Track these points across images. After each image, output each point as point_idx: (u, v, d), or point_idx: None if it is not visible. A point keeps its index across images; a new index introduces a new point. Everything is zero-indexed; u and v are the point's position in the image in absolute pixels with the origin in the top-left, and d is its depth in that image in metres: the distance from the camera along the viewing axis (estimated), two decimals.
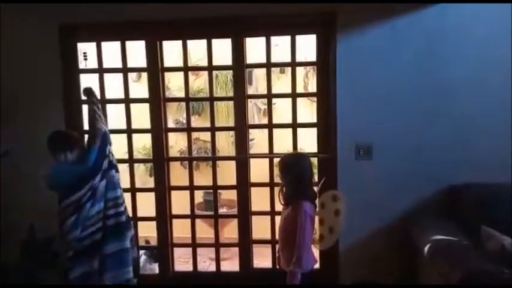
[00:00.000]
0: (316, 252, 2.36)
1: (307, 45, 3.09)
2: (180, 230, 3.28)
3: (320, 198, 2.36)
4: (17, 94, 2.97)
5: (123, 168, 2.97)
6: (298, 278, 2.19)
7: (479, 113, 2.74)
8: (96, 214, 2.39)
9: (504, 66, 2.70)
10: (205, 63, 3.07)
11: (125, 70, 3.05)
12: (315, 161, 3.11)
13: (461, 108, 2.75)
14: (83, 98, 2.72)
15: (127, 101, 3.07)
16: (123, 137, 3.10)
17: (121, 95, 3.07)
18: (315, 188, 2.42)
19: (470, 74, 2.74)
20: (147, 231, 3.38)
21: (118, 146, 2.90)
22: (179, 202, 3.25)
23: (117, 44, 3.02)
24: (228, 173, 3.26)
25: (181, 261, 3.52)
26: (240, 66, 2.95)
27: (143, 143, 3.88)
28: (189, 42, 3.05)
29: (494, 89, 2.73)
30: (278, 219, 2.63)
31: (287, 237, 2.27)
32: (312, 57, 2.98)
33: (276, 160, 2.44)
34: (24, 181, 2.95)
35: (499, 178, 2.59)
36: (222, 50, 3.07)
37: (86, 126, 3.08)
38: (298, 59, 3.00)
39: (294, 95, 3.00)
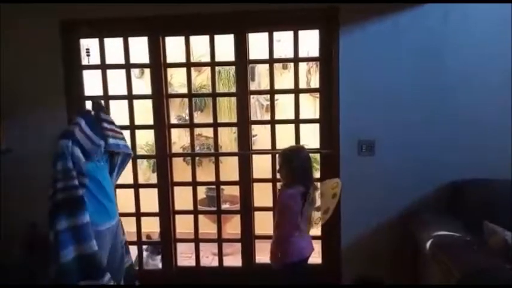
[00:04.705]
0: (318, 247, 2.38)
1: (310, 41, 3.08)
2: (183, 225, 3.29)
3: (320, 189, 2.40)
4: (19, 91, 2.97)
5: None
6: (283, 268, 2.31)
7: (481, 111, 2.73)
8: None
9: (504, 66, 2.68)
10: (207, 59, 3.06)
11: (127, 66, 3.06)
12: (317, 156, 3.12)
13: (462, 106, 2.74)
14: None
15: (130, 97, 3.08)
16: (126, 133, 3.08)
17: (124, 91, 3.08)
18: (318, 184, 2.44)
19: (471, 73, 2.72)
20: (149, 227, 3.40)
21: None
22: (182, 198, 3.26)
23: (119, 40, 3.02)
24: (230, 168, 3.27)
25: (184, 257, 3.54)
26: (242, 62, 2.95)
27: (146, 139, 3.89)
28: (192, 38, 3.05)
29: (494, 88, 2.72)
30: None
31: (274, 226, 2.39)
32: (315, 52, 2.98)
33: None
34: (25, 179, 2.96)
35: (499, 175, 2.58)
36: (225, 45, 3.06)
37: None
38: (301, 54, 2.99)
39: (296, 91, 3.00)
